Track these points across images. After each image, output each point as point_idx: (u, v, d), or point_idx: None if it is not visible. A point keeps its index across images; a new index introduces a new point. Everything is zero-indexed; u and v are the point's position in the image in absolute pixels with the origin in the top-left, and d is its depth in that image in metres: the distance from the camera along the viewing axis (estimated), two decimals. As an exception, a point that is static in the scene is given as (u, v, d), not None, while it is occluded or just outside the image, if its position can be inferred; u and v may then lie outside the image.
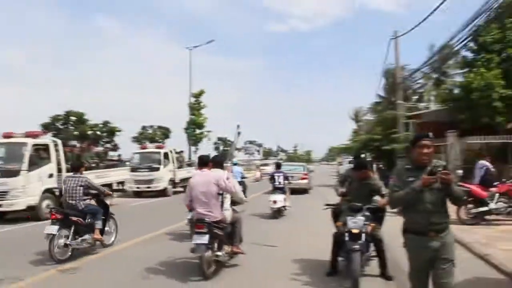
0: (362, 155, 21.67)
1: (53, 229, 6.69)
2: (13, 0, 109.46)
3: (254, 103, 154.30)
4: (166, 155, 20.29)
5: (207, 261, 5.67)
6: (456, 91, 19.96)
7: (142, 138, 48.94)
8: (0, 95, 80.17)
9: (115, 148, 39.38)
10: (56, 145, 12.89)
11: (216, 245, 5.94)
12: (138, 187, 19.60)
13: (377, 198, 6.02)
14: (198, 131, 33.16)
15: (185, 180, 18.90)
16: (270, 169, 48.20)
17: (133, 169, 19.61)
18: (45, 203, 11.90)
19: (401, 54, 21.49)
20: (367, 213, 5.52)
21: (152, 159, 19.98)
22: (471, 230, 8.86)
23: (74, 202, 7.17)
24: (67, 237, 6.81)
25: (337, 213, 5.93)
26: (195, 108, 32.98)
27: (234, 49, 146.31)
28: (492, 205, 9.53)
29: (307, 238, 8.66)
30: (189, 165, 23.23)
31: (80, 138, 37.12)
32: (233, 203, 6.48)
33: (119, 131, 40.61)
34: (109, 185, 15.15)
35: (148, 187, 19.54)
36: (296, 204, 14.10)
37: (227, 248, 6.20)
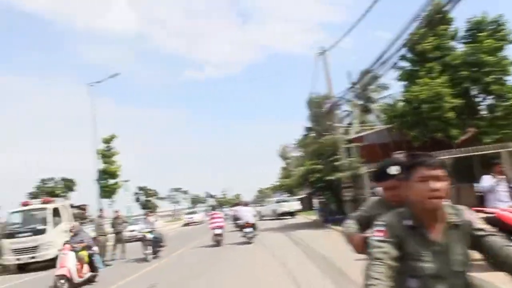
0: None
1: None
2: None
3: (177, 151, 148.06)
4: (56, 212, 15.26)
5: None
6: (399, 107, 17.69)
7: (40, 193, 41.75)
8: None
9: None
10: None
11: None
12: (18, 259, 14.47)
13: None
14: (111, 181, 29.37)
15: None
16: (198, 217, 42.86)
17: (10, 235, 14.59)
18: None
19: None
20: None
21: (37, 219, 14.99)
22: None
23: None
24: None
25: None
26: (106, 155, 29.40)
27: (147, 100, 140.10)
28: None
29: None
30: (92, 221, 16.96)
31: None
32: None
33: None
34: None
35: (33, 257, 14.38)
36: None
37: None
